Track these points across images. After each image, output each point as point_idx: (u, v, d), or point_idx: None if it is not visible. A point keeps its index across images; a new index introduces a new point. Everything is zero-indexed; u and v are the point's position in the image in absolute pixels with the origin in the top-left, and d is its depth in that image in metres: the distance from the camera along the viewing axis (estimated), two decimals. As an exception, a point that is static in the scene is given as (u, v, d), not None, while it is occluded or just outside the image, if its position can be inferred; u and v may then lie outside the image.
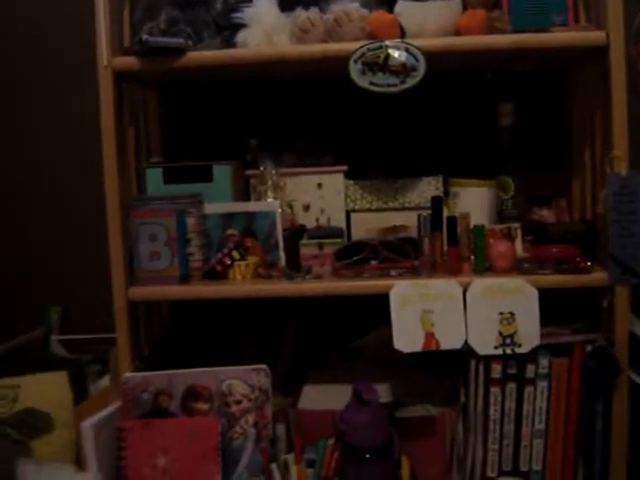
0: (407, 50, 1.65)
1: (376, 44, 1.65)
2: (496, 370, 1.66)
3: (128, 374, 1.73)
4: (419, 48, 1.64)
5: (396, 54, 1.65)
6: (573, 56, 1.78)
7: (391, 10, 1.74)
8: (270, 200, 1.87)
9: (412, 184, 1.89)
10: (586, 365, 1.65)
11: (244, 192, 1.95)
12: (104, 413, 1.69)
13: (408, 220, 1.86)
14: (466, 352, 1.67)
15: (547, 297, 1.66)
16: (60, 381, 1.80)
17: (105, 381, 1.95)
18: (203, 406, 1.70)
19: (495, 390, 1.66)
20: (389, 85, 1.67)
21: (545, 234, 1.77)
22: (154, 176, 1.88)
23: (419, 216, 1.77)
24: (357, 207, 1.91)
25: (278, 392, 1.84)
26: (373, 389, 1.65)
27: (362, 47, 1.65)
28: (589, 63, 1.77)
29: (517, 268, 1.71)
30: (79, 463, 1.70)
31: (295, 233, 1.83)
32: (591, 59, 1.73)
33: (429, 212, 1.76)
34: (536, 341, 1.64)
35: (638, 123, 1.69)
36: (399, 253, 1.74)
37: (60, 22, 2.20)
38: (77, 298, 2.23)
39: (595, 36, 1.64)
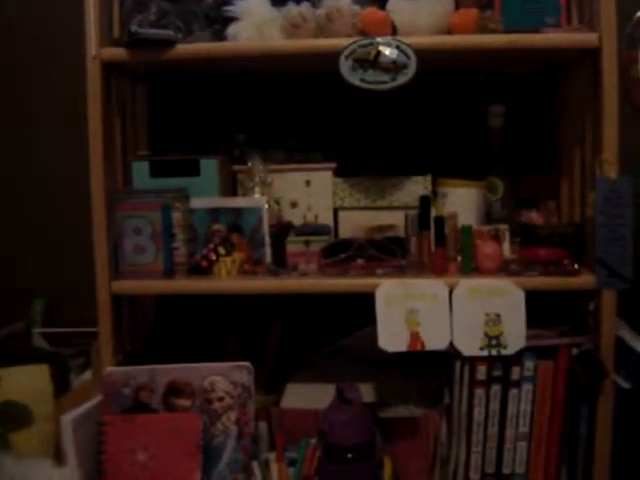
0: (398, 47, 1.64)
1: (367, 41, 1.64)
2: (481, 372, 1.65)
3: (110, 368, 1.72)
4: (410, 45, 1.63)
5: (387, 51, 1.64)
6: (565, 58, 1.78)
7: (383, 7, 1.73)
8: (257, 196, 1.85)
9: (401, 183, 1.88)
10: (571, 368, 1.65)
11: (231, 187, 1.93)
12: (84, 407, 1.68)
13: (396, 219, 1.84)
14: (451, 353, 1.66)
15: (534, 299, 1.65)
16: (41, 374, 1.78)
17: (88, 375, 1.93)
18: (185, 402, 1.69)
19: (479, 392, 1.66)
20: (379, 82, 1.66)
21: (533, 236, 1.77)
22: (140, 169, 1.87)
23: (406, 215, 1.76)
24: (345, 205, 1.90)
25: (261, 390, 1.83)
26: (356, 388, 1.65)
27: (353, 43, 1.64)
28: (581, 65, 1.76)
29: (504, 269, 1.70)
30: (58, 457, 1.68)
31: (282, 230, 1.82)
32: (583, 61, 1.72)
33: (417, 211, 1.75)
34: (522, 343, 1.63)
35: (629, 127, 1.68)
36: (386, 252, 1.73)
37: (49, 12, 2.18)
38: (61, 291, 2.21)
39: (587, 38, 1.63)
